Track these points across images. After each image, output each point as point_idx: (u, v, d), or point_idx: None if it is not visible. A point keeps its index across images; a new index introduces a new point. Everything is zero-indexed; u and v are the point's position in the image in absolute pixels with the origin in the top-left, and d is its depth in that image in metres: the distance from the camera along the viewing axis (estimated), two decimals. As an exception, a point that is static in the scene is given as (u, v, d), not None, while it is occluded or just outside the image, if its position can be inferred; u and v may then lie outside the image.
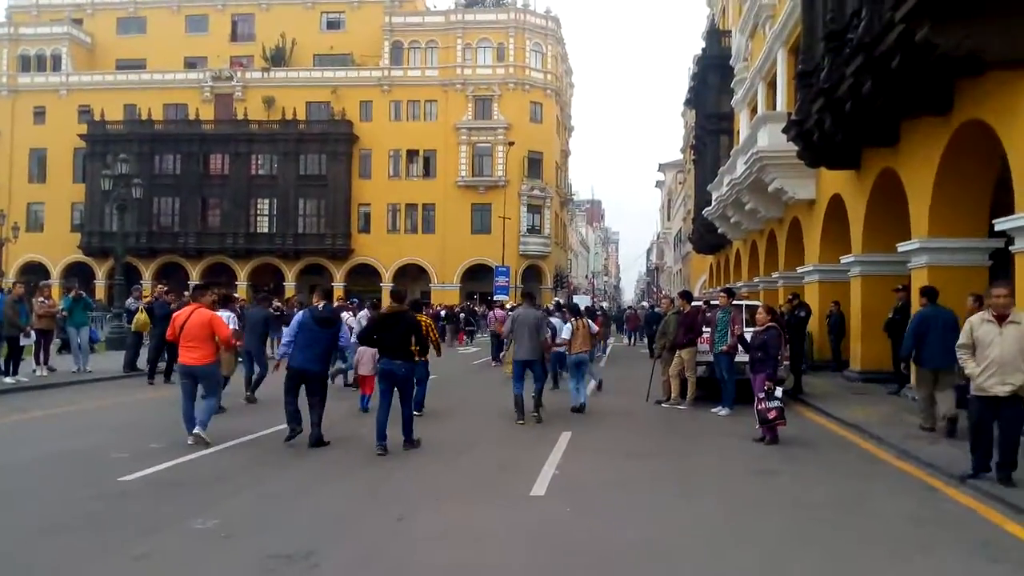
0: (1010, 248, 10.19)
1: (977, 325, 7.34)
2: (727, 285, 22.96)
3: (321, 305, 9.41)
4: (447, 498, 6.98)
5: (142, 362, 16.48)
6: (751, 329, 11.86)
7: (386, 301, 40.87)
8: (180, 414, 9.18)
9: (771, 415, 9.69)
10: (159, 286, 17.30)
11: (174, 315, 9.57)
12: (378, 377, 9.18)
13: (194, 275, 50.93)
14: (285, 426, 9.21)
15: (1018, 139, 9.79)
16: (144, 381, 15.29)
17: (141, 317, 16.40)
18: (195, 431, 8.93)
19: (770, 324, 10.56)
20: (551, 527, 6.08)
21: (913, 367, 10.83)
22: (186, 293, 29.77)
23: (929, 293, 10.79)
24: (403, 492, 7.20)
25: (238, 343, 11.00)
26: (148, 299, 17.68)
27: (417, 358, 9.62)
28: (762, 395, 9.86)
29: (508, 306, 23.98)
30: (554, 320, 13.36)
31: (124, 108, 52.74)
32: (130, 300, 18.73)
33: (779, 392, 9.83)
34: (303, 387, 9.15)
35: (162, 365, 15.49)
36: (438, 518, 6.34)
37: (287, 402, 9.12)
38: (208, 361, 9.09)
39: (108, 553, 5.39)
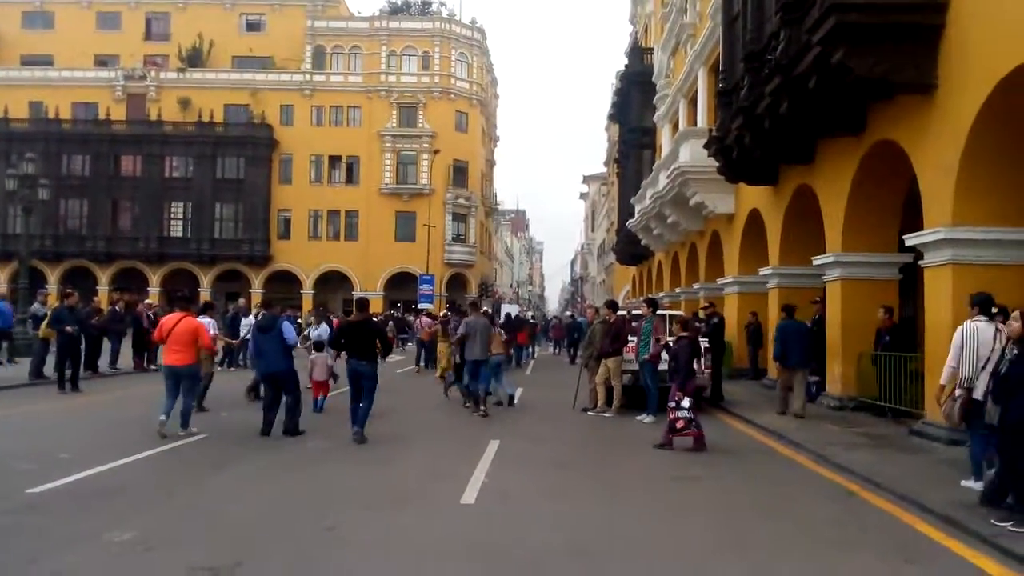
0: (919, 263, 10.70)
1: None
2: (649, 295, 23.36)
3: (260, 315, 10.62)
4: (378, 506, 6.87)
5: (48, 370, 15.74)
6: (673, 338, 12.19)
7: (307, 307, 40.82)
8: (93, 424, 10.36)
9: (678, 424, 9.95)
10: (67, 291, 16.43)
11: (162, 320, 10.64)
12: (348, 376, 10.22)
13: (103, 280, 48.96)
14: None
15: (926, 159, 10.31)
16: (52, 390, 14.53)
17: (49, 322, 15.60)
18: (163, 422, 9.73)
19: (682, 335, 10.86)
20: (481, 536, 6.04)
21: (776, 366, 12.91)
22: (95, 299, 28.77)
23: (787, 308, 13.04)
24: (333, 500, 7.06)
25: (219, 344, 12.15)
26: (55, 306, 16.82)
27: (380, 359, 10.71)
28: (672, 404, 10.12)
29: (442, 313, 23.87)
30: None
31: (29, 106, 50.28)
32: (36, 305, 17.86)
33: (686, 403, 10.03)
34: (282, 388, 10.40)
35: (68, 373, 14.74)
36: (369, 527, 6.22)
37: (264, 404, 10.46)
38: (190, 362, 10.10)
39: (17, 570, 5.08)
